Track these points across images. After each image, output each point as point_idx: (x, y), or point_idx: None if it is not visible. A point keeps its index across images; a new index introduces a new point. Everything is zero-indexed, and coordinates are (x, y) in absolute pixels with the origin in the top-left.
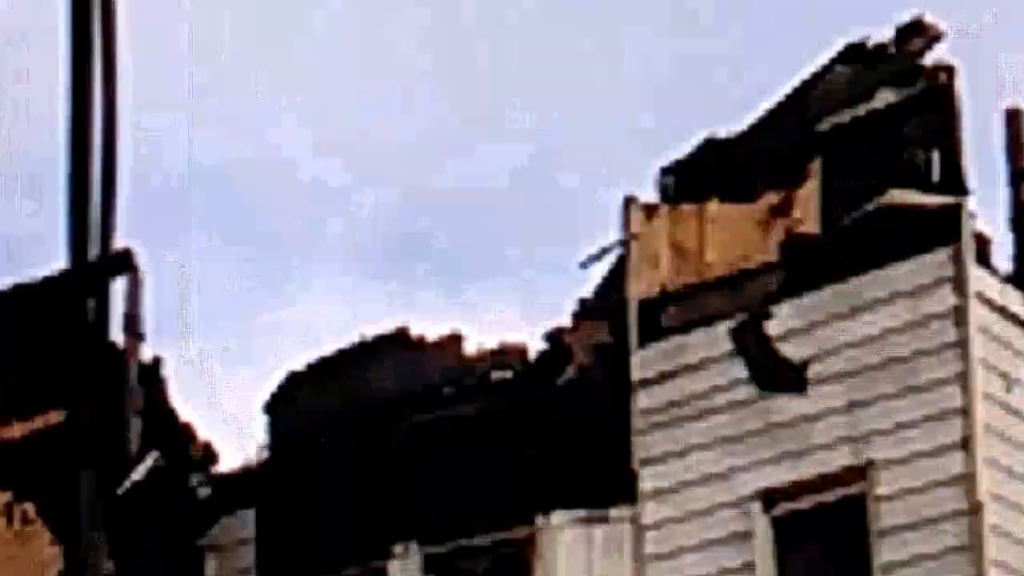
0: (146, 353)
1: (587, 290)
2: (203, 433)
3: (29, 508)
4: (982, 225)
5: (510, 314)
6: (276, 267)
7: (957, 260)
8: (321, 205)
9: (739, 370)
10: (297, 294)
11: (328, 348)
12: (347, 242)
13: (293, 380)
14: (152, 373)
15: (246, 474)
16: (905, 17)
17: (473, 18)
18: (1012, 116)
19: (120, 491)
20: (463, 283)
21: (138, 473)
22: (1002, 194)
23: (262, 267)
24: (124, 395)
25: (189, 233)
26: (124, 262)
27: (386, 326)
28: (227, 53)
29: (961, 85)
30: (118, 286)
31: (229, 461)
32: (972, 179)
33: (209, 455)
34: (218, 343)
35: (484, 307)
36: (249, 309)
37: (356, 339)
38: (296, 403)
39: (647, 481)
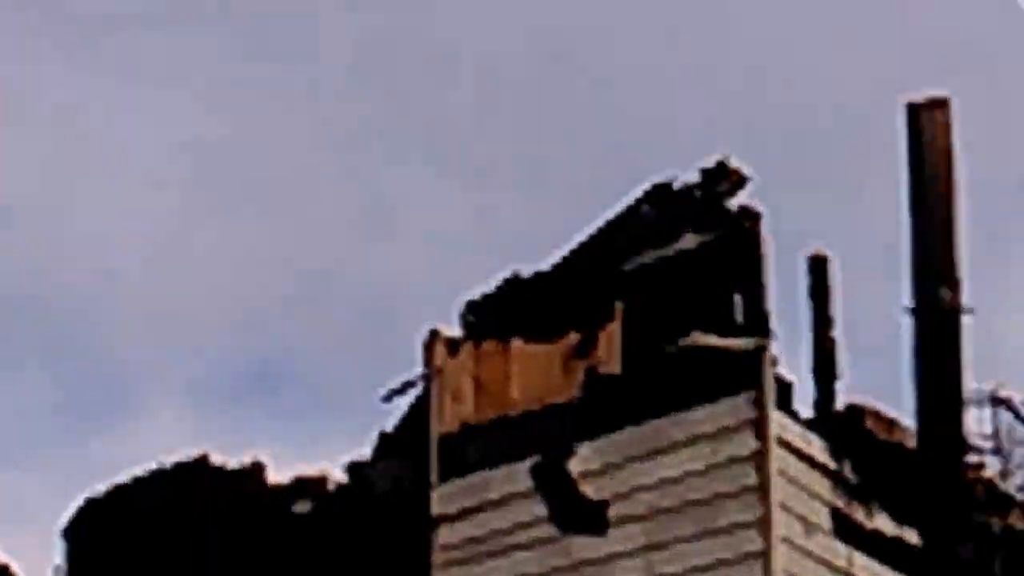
0: None
1: (389, 423)
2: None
3: None
4: (785, 370)
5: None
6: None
7: (758, 404)
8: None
9: (540, 508)
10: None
11: (126, 475)
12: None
13: (90, 506)
14: None
15: None
16: (711, 160)
17: None
18: (817, 262)
19: None
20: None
21: None
22: (806, 339)
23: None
24: None
25: None
26: None
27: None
28: None
29: (765, 229)
30: None
31: None
32: (775, 323)
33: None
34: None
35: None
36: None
37: (154, 466)
38: (94, 531)
39: None
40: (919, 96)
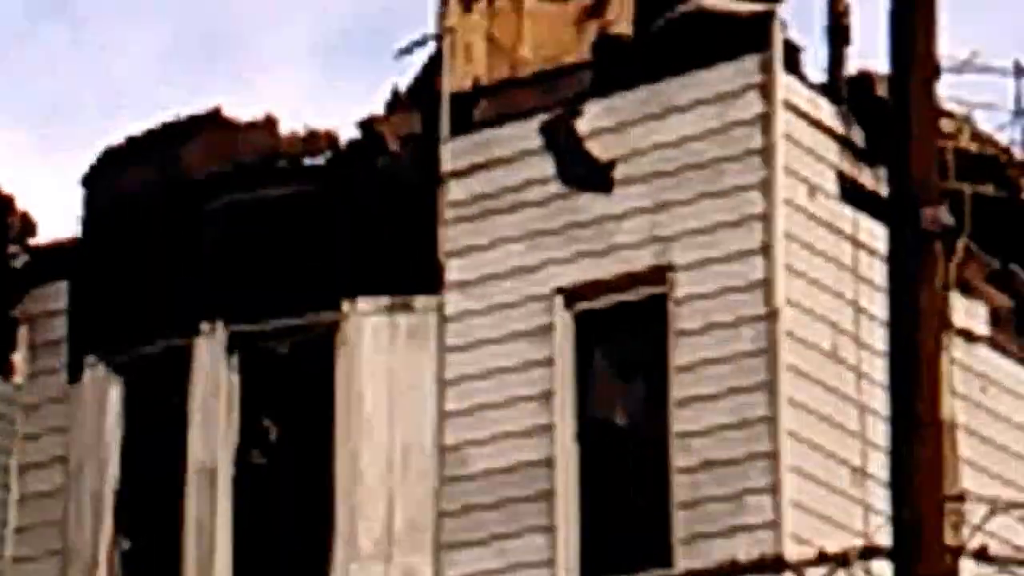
0: None
1: (401, 81)
2: (22, 205)
3: None
4: (795, 34)
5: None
6: None
7: (765, 67)
8: None
9: (548, 166)
10: None
11: (143, 125)
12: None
13: (109, 156)
14: None
15: (61, 246)
16: None
17: None
18: None
19: None
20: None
21: None
22: (820, 4)
23: None
24: None
25: None
26: None
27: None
28: None
29: None
30: None
31: (47, 233)
32: None
33: (27, 226)
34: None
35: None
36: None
37: (168, 118)
38: (112, 179)
39: (453, 272)
40: None
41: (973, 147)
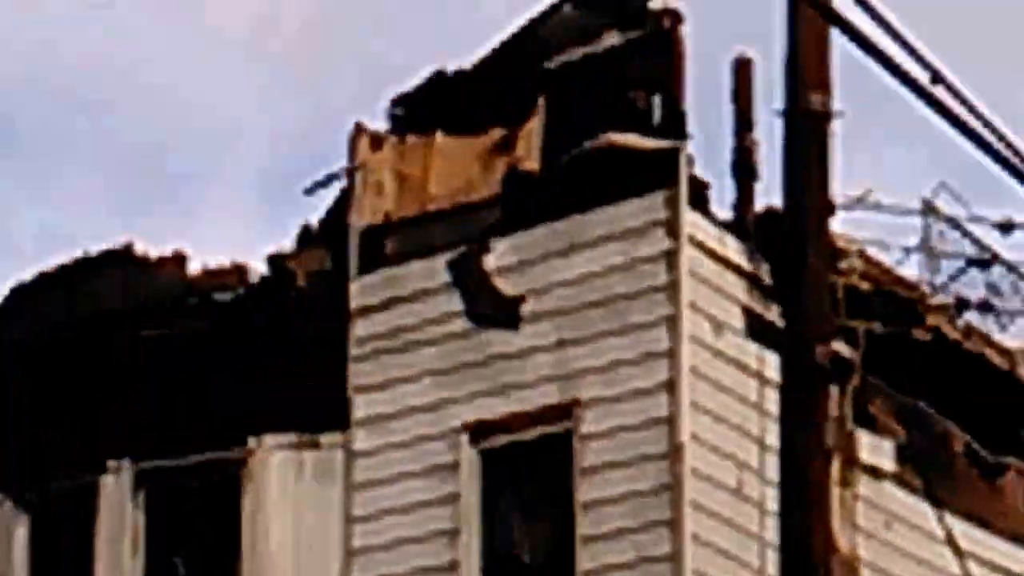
0: None
1: (312, 217)
2: None
3: None
4: (702, 171)
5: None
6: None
7: (671, 203)
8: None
9: (456, 302)
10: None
11: (53, 261)
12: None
13: (17, 292)
14: None
15: None
16: None
17: None
18: (740, 65)
19: None
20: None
21: None
22: (727, 141)
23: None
24: None
25: None
26: None
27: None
28: None
29: (687, 30)
30: None
31: None
32: (694, 125)
33: None
34: None
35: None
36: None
37: (79, 253)
38: (21, 315)
39: (360, 409)
40: None
41: (864, 285)
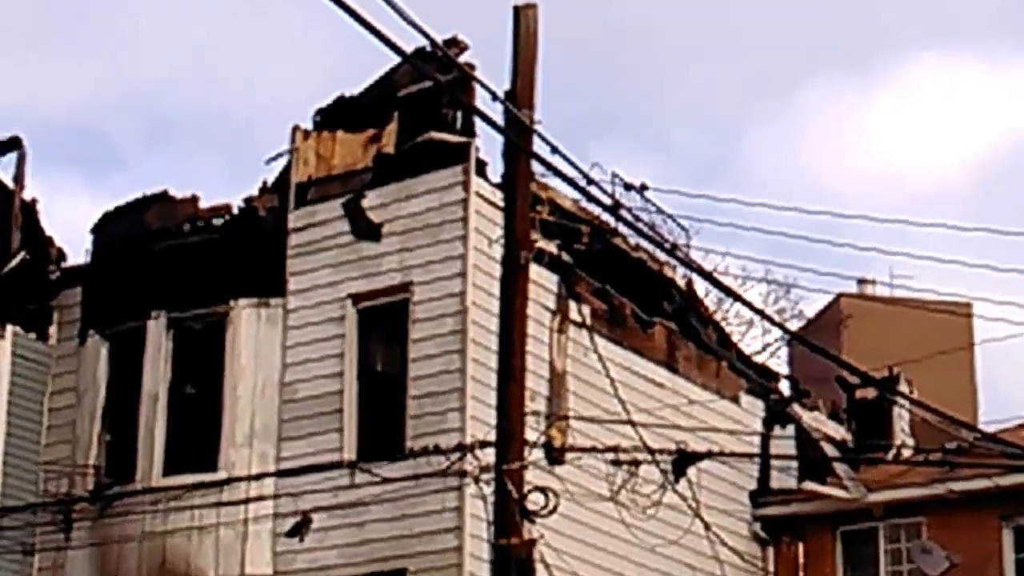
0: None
1: (269, 177)
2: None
3: None
4: (484, 154)
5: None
6: None
7: (466, 172)
8: None
9: (345, 226)
10: None
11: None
12: None
13: (106, 214)
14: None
15: (80, 267)
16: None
17: None
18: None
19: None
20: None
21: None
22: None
23: None
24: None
25: None
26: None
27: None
28: None
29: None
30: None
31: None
32: (480, 127)
33: (61, 254)
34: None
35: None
36: None
37: (137, 195)
38: (114, 223)
39: (292, 284)
40: None
41: (553, 218)
